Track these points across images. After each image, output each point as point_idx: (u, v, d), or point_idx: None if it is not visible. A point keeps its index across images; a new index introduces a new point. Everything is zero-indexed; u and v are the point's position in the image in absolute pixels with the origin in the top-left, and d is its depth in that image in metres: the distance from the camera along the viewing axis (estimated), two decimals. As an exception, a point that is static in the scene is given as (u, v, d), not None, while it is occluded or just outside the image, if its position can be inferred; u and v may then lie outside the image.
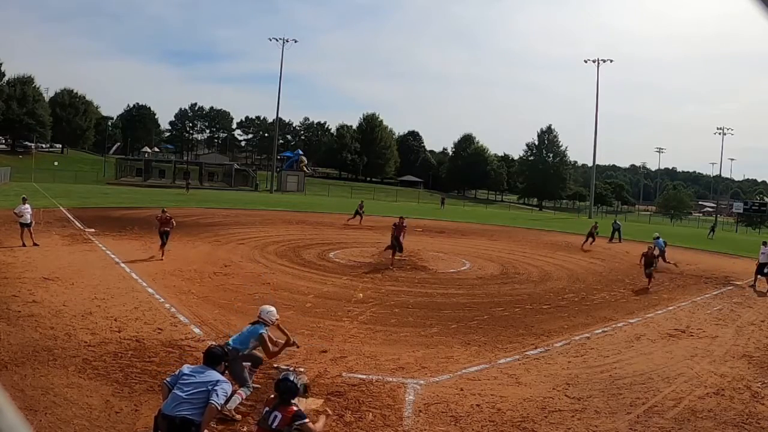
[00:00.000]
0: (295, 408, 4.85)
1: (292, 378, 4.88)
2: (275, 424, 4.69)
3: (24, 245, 15.67)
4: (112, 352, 7.72)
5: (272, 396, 4.97)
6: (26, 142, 78.40)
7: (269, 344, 6.50)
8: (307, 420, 4.80)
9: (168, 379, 4.82)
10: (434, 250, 20.88)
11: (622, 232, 30.88)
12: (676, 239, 36.82)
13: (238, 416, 6.08)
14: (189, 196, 45.90)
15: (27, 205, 16.30)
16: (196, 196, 47.34)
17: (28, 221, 16.12)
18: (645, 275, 16.50)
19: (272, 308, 6.86)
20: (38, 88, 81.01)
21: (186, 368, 4.88)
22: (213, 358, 4.79)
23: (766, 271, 17.40)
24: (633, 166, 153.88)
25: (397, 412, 6.48)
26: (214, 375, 4.74)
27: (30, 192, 27.12)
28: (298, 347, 7.13)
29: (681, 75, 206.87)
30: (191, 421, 4.51)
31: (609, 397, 7.30)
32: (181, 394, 4.51)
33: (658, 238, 19.85)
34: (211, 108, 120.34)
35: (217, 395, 4.65)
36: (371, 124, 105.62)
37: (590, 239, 26.16)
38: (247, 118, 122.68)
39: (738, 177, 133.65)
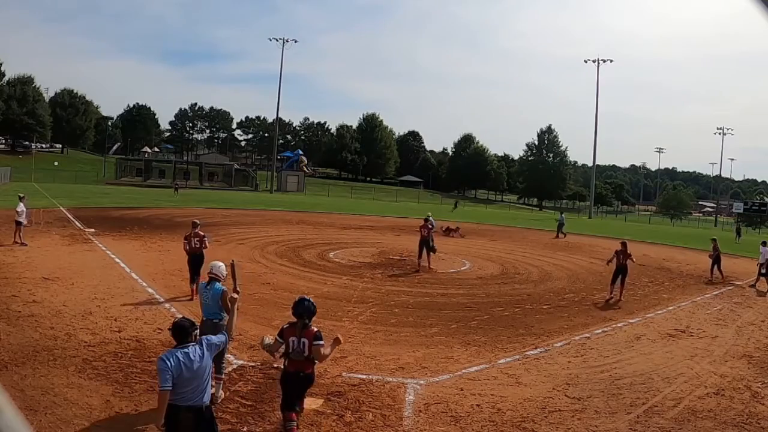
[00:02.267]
0: (314, 329, 5.33)
1: (308, 299, 5.40)
2: (306, 352, 5.21)
3: (24, 245, 15.73)
4: (112, 352, 7.72)
5: (288, 325, 5.37)
6: (26, 142, 78.44)
7: (228, 301, 6.20)
8: (322, 342, 5.29)
9: (167, 385, 4.28)
10: (434, 250, 20.82)
11: (565, 228, 31.91)
12: (676, 239, 36.91)
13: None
14: (179, 198, 43.40)
15: (23, 204, 16.48)
16: (196, 196, 47.30)
17: (23, 220, 16.28)
18: (616, 283, 13.82)
19: (221, 263, 6.98)
20: (38, 88, 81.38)
21: (168, 359, 4.31)
22: (184, 331, 4.55)
23: (763, 271, 17.40)
24: (633, 166, 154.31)
25: (397, 412, 6.48)
26: (201, 350, 4.49)
27: (30, 192, 27.09)
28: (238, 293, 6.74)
29: (681, 75, 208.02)
30: (209, 406, 4.61)
31: (609, 397, 7.29)
32: (199, 385, 4.41)
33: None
34: (211, 108, 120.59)
35: (211, 341, 4.58)
36: (371, 124, 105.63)
37: (716, 267, 18.68)
38: (247, 118, 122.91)
39: (738, 177, 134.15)
